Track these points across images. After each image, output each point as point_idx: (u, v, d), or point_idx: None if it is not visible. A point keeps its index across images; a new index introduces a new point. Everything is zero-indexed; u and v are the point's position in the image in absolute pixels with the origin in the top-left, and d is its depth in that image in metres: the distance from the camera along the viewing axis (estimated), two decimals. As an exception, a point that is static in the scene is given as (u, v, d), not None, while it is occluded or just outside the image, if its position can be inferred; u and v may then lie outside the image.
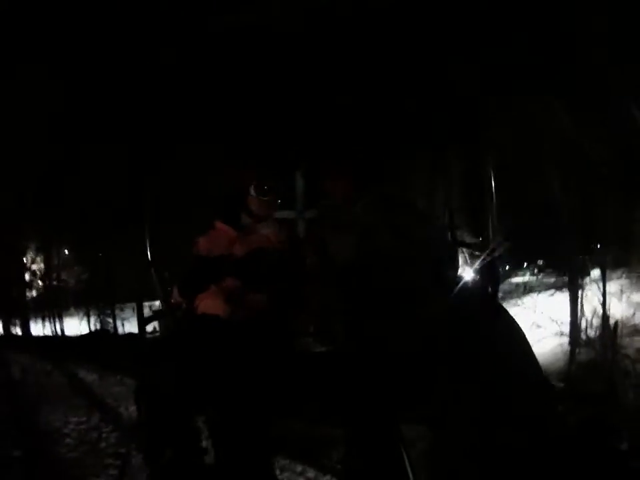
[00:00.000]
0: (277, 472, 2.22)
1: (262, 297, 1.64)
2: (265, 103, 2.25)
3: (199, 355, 1.31)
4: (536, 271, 12.70)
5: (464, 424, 0.96)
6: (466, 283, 1.43)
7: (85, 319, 12.98)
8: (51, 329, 12.59)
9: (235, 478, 1.32)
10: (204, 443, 1.39)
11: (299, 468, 2.33)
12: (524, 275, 13.48)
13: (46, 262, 13.08)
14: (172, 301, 1.80)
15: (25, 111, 10.49)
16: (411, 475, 1.04)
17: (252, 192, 1.78)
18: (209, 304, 1.64)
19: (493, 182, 1.58)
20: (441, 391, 1.02)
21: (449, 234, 2.17)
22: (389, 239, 1.57)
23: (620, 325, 6.37)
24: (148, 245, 1.85)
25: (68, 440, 2.95)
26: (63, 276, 14.11)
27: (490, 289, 1.51)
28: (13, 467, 2.48)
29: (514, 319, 1.13)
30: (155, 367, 1.33)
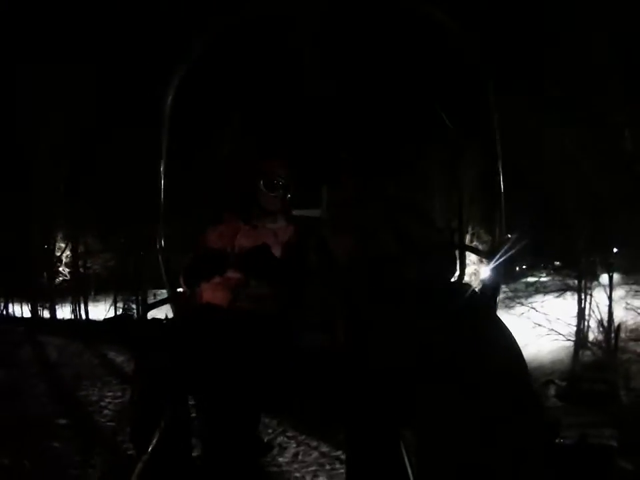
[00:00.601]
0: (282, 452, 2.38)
1: (264, 290, 1.61)
2: (276, 99, 2.21)
3: (198, 343, 1.29)
4: (549, 271, 12.68)
5: (454, 428, 0.93)
6: (466, 288, 1.36)
7: (111, 304, 13.28)
8: (77, 313, 13.08)
9: (224, 468, 1.28)
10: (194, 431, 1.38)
11: (314, 443, 2.47)
12: (534, 275, 13.47)
13: (73, 251, 13.51)
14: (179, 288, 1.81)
15: (64, 110, 10.94)
16: (410, 473, 1.02)
17: (261, 187, 1.76)
18: (212, 294, 1.63)
19: (502, 186, 1.54)
20: (435, 391, 0.98)
21: (458, 238, 2.14)
22: (391, 240, 1.55)
23: (623, 328, 6.45)
24: (159, 233, 1.82)
25: (106, 411, 3.20)
26: (89, 263, 14.61)
27: (489, 297, 1.47)
28: (59, 433, 2.76)
29: (510, 332, 1.08)
30: (153, 353, 1.31)
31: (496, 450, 0.88)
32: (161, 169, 1.79)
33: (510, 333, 1.06)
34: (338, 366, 1.27)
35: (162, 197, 1.81)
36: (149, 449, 1.08)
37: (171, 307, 1.83)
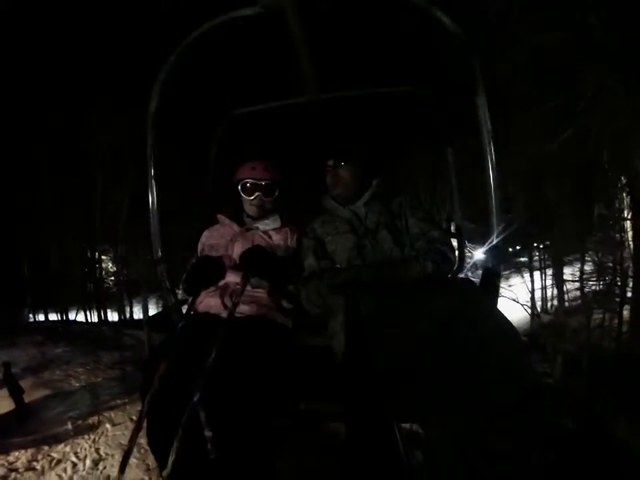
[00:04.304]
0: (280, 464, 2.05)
1: (262, 292, 1.53)
2: (269, 101, 2.09)
3: (199, 351, 1.16)
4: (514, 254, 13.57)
5: (458, 420, 0.89)
6: (465, 281, 1.29)
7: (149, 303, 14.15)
8: (124, 314, 14.09)
9: (242, 464, 1.17)
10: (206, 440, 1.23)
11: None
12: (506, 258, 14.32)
13: (117, 263, 14.48)
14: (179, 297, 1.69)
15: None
16: (404, 458, 0.99)
17: (240, 191, 1.68)
18: (211, 301, 1.54)
19: (493, 176, 1.40)
20: (436, 385, 0.94)
21: (452, 225, 2.01)
22: (387, 236, 1.47)
23: (567, 297, 7.71)
24: (155, 243, 1.69)
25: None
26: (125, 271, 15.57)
27: (490, 287, 1.37)
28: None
29: (510, 323, 1.01)
30: (156, 364, 1.20)
31: (505, 435, 0.85)
32: (151, 176, 1.65)
33: (511, 325, 0.99)
34: (338, 365, 1.24)
35: (154, 207, 1.66)
36: (169, 461, 0.96)
37: (173, 315, 1.70)
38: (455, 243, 1.86)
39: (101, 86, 10.92)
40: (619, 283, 5.13)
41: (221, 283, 1.54)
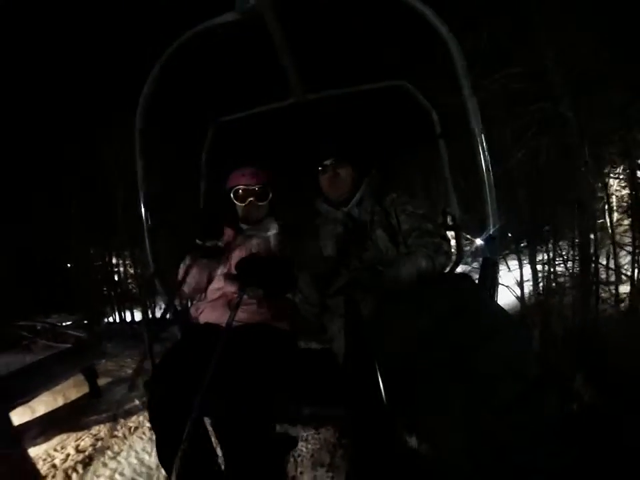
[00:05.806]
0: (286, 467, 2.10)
1: (260, 300, 1.50)
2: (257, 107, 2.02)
3: (201, 362, 1.15)
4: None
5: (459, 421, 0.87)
6: (463, 277, 1.22)
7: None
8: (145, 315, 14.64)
9: (250, 467, 1.16)
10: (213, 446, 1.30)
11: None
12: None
13: (135, 269, 14.74)
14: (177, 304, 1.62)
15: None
16: (408, 460, 1.00)
17: (232, 199, 1.64)
18: (211, 312, 1.52)
19: (491, 177, 1.33)
20: (436, 387, 0.92)
21: (450, 219, 1.97)
22: (383, 235, 1.44)
23: (552, 283, 8.30)
24: (150, 256, 1.66)
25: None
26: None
27: (489, 277, 1.33)
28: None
29: (509, 314, 0.97)
30: (160, 378, 1.22)
31: (509, 430, 0.82)
32: (142, 191, 1.60)
33: (511, 318, 0.97)
34: (339, 367, 1.22)
35: (148, 218, 1.63)
36: (175, 468, 0.92)
37: (177, 328, 1.71)
38: (452, 235, 1.80)
39: (116, 93, 11.03)
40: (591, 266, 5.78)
41: (219, 293, 1.54)
